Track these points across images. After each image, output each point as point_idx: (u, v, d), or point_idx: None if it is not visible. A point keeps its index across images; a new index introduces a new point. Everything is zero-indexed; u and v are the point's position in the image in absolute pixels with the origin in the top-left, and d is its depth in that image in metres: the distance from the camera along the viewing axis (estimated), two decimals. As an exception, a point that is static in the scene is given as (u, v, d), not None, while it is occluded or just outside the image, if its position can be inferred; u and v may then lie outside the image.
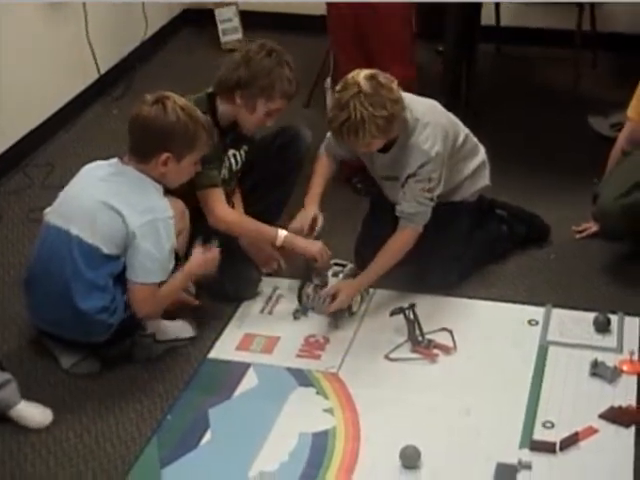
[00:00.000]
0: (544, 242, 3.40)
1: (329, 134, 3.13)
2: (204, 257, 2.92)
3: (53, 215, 2.82)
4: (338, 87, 2.85)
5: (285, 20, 4.97)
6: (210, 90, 3.07)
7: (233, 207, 3.18)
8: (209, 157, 2.93)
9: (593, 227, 3.37)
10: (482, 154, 3.20)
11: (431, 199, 2.95)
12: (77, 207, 2.75)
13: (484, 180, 3.22)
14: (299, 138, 3.28)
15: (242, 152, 3.17)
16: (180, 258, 2.89)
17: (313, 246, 3.07)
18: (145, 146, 2.74)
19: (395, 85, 2.85)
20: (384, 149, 2.97)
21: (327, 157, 3.19)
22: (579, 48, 4.38)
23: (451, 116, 3.07)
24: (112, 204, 2.69)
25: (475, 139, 3.17)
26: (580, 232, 3.42)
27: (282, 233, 3.07)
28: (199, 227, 3.04)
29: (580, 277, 3.24)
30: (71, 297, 2.70)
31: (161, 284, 2.78)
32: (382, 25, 3.50)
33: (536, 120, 4.21)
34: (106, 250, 2.71)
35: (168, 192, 2.84)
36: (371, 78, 2.80)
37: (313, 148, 3.29)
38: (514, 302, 3.13)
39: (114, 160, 2.82)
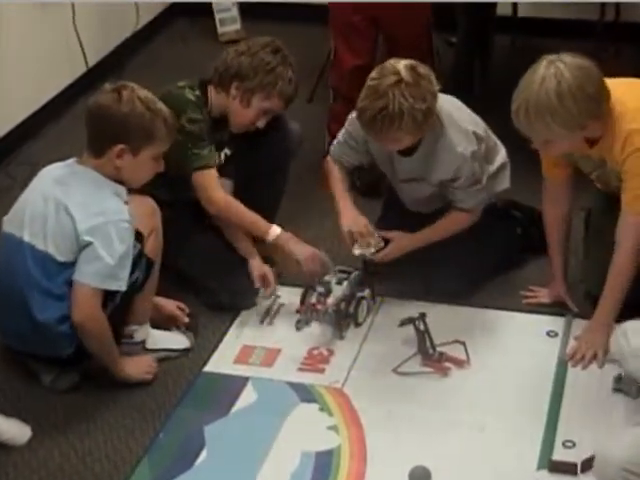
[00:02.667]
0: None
1: (337, 141, 3.07)
2: (141, 361, 2.85)
3: (8, 222, 2.77)
4: (373, 74, 2.78)
5: (286, 9, 4.96)
6: (203, 77, 3.07)
7: None
8: (199, 135, 2.95)
9: (543, 298, 3.10)
10: (503, 155, 3.14)
11: (482, 186, 2.97)
12: (29, 212, 2.70)
13: (504, 183, 3.17)
14: (285, 127, 3.24)
15: (222, 155, 3.14)
16: (153, 262, 2.81)
17: (304, 250, 3.01)
18: (99, 138, 2.69)
19: (434, 78, 2.80)
20: (408, 152, 2.92)
21: (339, 169, 3.08)
22: (601, 39, 4.31)
23: (469, 111, 3.02)
24: (63, 207, 2.64)
25: (495, 137, 3.11)
26: (528, 297, 3.14)
27: (276, 230, 3.04)
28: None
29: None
30: (28, 308, 2.66)
31: (113, 295, 2.68)
32: (401, 15, 3.50)
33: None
34: (60, 257, 2.65)
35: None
36: (411, 68, 2.77)
37: (308, 140, 3.37)
38: (532, 312, 3.08)
39: (71, 160, 2.77)
